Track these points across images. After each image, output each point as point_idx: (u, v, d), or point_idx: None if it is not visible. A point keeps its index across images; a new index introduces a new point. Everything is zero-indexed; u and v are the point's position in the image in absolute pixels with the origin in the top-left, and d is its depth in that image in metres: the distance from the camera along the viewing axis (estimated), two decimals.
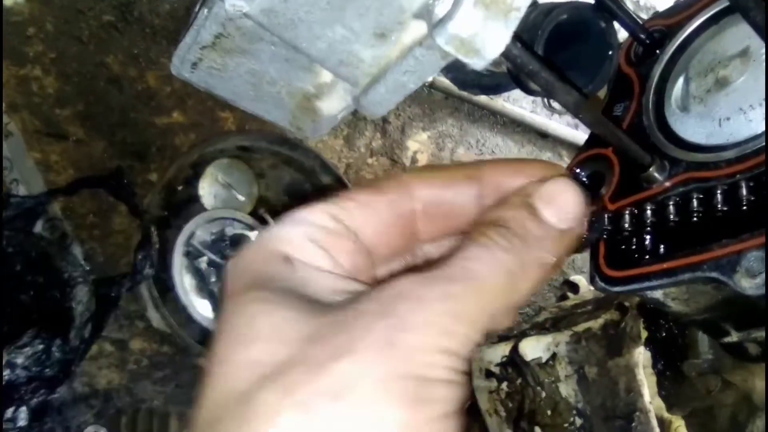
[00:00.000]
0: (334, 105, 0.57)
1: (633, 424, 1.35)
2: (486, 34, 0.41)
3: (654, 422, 1.33)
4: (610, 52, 0.87)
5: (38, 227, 1.23)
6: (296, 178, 1.52)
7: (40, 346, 1.05)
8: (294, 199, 1.56)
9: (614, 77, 0.86)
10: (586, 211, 0.52)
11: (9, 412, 1.05)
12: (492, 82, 1.00)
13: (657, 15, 0.86)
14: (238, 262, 0.48)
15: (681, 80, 0.79)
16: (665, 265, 0.70)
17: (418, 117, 1.71)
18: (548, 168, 0.54)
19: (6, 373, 1.05)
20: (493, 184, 0.52)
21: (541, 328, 1.59)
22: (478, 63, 0.42)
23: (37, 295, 1.03)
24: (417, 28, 0.46)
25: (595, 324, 1.36)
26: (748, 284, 0.62)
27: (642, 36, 0.82)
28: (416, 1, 0.44)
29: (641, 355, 1.29)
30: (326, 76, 0.54)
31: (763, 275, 0.62)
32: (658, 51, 0.83)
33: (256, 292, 0.44)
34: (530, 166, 0.53)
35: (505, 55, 0.53)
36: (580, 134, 2.08)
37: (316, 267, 0.45)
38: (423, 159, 1.75)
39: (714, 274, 0.66)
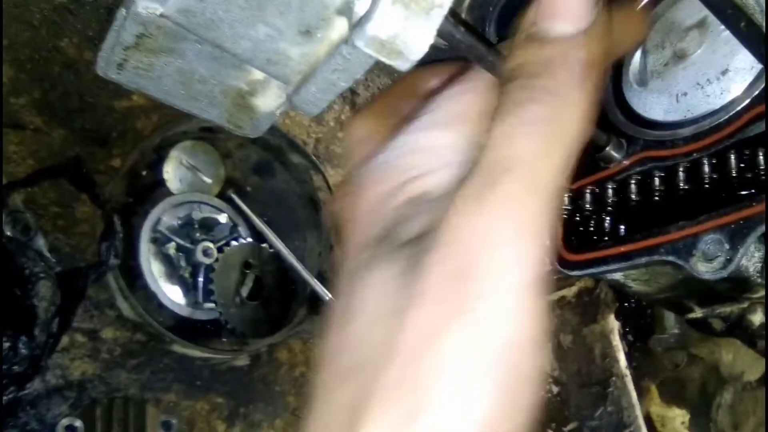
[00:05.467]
0: (270, 102, 0.54)
1: (609, 389, 1.35)
2: (407, 35, 0.39)
3: (631, 386, 1.34)
4: None
5: None
6: (264, 156, 1.49)
7: (6, 344, 1.04)
8: (263, 178, 1.53)
9: None
10: None
11: None
12: (454, 54, 0.98)
13: None
14: (369, 195, 0.46)
15: (638, 53, 0.76)
16: (622, 249, 0.68)
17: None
18: None
19: None
20: None
21: None
22: (402, 65, 0.40)
23: None
24: (342, 25, 0.43)
25: (569, 292, 1.36)
26: (704, 268, 0.61)
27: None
28: None
29: (616, 322, 1.29)
30: (258, 74, 0.52)
31: (721, 258, 0.61)
32: None
33: (368, 252, 0.42)
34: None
35: (448, 38, 0.50)
36: None
37: (446, 190, 0.42)
38: None
39: (670, 258, 0.64)
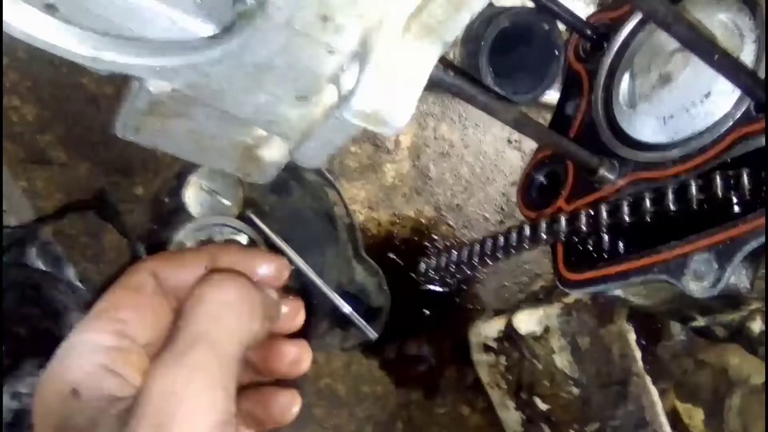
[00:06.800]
0: (275, 153, 0.59)
1: (629, 389, 1.37)
2: (391, 106, 0.43)
3: (650, 385, 1.36)
4: (556, 53, 0.88)
5: (31, 254, 1.26)
6: (280, 176, 1.53)
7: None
8: (280, 197, 1.57)
9: (565, 75, 0.87)
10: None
11: None
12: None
13: (601, 9, 0.86)
14: (40, 398, 0.53)
15: (627, 76, 0.79)
16: (619, 268, 0.71)
17: None
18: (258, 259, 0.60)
19: (14, 403, 1.09)
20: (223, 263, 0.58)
21: (534, 299, 1.61)
22: (388, 132, 0.44)
23: (32, 327, 1.07)
24: (335, 91, 0.47)
25: (585, 294, 1.38)
26: (695, 287, 0.64)
27: (587, 31, 0.82)
28: (328, 69, 0.45)
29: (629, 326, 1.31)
30: (262, 130, 0.56)
31: (710, 277, 0.63)
32: (605, 45, 0.83)
33: None
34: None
35: (438, 84, 0.54)
36: None
37: (102, 397, 0.49)
38: (406, 141, 1.76)
39: (664, 277, 0.67)
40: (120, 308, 0.55)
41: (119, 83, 0.61)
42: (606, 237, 0.78)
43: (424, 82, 0.44)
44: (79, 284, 1.28)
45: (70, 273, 1.29)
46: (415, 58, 0.42)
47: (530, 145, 1.87)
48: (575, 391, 1.39)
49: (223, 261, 0.58)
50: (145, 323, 0.54)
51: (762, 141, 0.63)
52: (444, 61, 0.53)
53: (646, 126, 0.77)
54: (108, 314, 0.54)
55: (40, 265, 1.26)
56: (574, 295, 0.75)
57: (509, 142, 1.88)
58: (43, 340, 1.06)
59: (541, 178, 0.83)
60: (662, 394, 1.33)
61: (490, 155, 1.85)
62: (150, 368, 0.49)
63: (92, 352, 0.52)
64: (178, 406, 0.45)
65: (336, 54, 0.43)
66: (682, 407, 1.37)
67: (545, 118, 0.95)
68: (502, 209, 1.86)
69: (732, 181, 0.67)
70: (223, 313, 0.51)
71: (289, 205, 1.60)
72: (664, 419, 1.35)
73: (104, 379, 0.50)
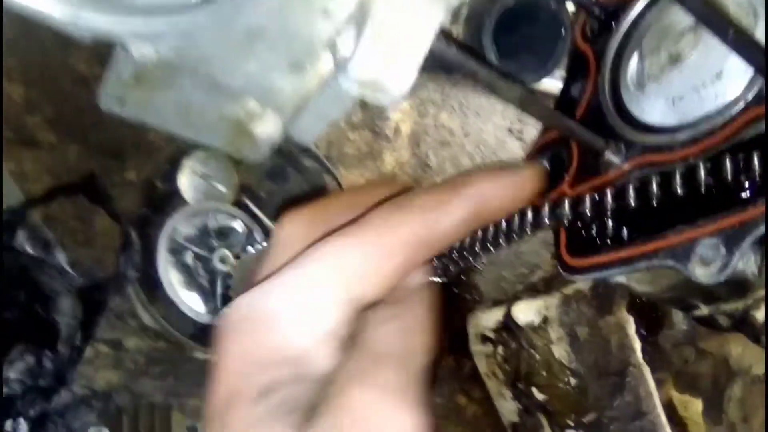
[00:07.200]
0: (268, 128, 0.56)
1: (627, 380, 1.36)
2: (390, 73, 0.40)
3: (648, 375, 1.34)
4: (563, 32, 0.85)
5: (20, 238, 1.24)
6: (276, 162, 1.51)
7: (32, 359, 1.07)
8: (276, 183, 1.55)
9: (570, 56, 0.84)
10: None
11: (8, 425, 1.07)
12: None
13: None
14: (245, 346, 0.47)
15: (636, 56, 0.76)
16: (623, 254, 0.69)
17: None
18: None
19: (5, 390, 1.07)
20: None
21: (533, 290, 1.59)
22: (387, 101, 0.41)
23: (21, 311, 1.05)
24: (331, 59, 0.45)
25: (584, 285, 1.36)
26: (702, 272, 0.61)
27: (595, 10, 0.80)
28: (323, 34, 0.42)
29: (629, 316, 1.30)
30: (254, 103, 0.53)
31: (717, 263, 0.61)
32: (613, 24, 0.80)
33: (264, 406, 0.44)
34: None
35: (439, 59, 0.52)
36: None
37: (324, 374, 0.45)
38: (406, 128, 1.73)
39: (669, 262, 0.65)
40: (363, 279, 0.49)
41: (108, 63, 0.58)
42: (611, 222, 0.75)
43: (426, 48, 0.41)
44: (68, 269, 1.25)
45: (60, 257, 1.27)
46: (416, 22, 0.39)
47: (531, 134, 1.84)
48: (572, 381, 1.38)
49: (493, 197, 0.55)
50: (376, 295, 0.49)
51: None
52: (447, 36, 0.51)
53: (655, 108, 0.74)
54: (346, 281, 0.49)
55: (29, 249, 1.23)
56: (577, 281, 0.73)
57: (510, 131, 1.85)
58: (32, 325, 1.04)
59: (545, 162, 0.81)
60: (659, 384, 1.32)
61: (491, 144, 1.83)
62: (342, 373, 0.45)
63: (317, 320, 0.47)
64: (374, 422, 0.43)
65: (332, 17, 0.41)
66: (678, 398, 1.36)
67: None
68: None
69: (742, 165, 0.64)
70: (415, 335, 0.49)
71: (285, 192, 1.58)
72: (660, 410, 1.34)
73: (319, 351, 0.47)
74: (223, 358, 0.47)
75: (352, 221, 0.51)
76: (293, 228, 0.53)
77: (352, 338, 0.47)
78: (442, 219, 0.55)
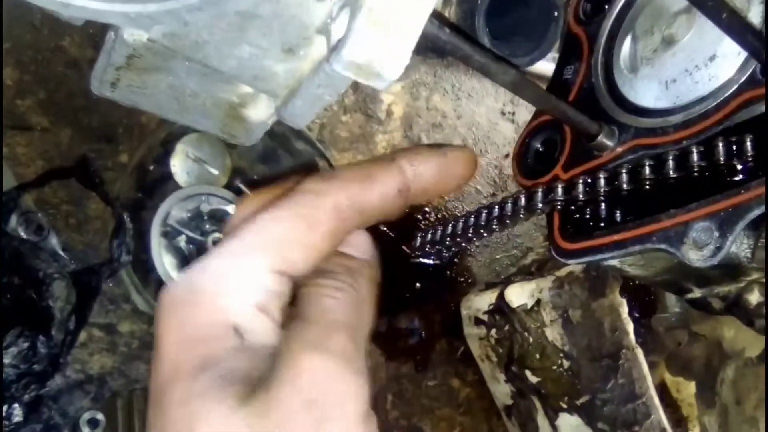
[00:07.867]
0: (261, 112, 0.56)
1: (620, 362, 1.37)
2: (383, 57, 0.40)
3: (642, 358, 1.35)
4: (556, 14, 0.84)
5: (12, 222, 1.23)
6: (269, 145, 1.51)
7: (25, 344, 1.07)
8: (269, 166, 1.55)
9: (563, 38, 0.84)
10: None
11: (3, 410, 1.07)
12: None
13: None
14: (182, 323, 0.48)
15: (629, 39, 0.76)
16: (616, 237, 0.69)
17: None
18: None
19: None
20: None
21: (526, 273, 1.60)
22: (379, 84, 0.41)
23: (14, 296, 1.05)
24: (323, 43, 0.44)
25: (577, 267, 1.37)
26: (695, 256, 0.62)
27: None
28: (316, 18, 0.42)
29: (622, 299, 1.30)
30: (247, 87, 0.53)
31: (711, 246, 0.61)
32: (606, 6, 0.80)
33: (203, 381, 0.45)
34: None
35: (433, 42, 0.51)
36: None
37: (263, 345, 0.46)
38: (398, 111, 1.73)
39: (663, 246, 0.65)
40: (292, 246, 0.51)
41: (101, 47, 0.57)
42: (604, 205, 0.76)
43: (419, 30, 0.41)
44: (62, 253, 1.25)
45: (53, 242, 1.26)
46: (409, 5, 0.39)
47: (524, 117, 1.84)
48: (566, 364, 1.39)
49: (420, 173, 0.57)
50: (308, 264, 0.51)
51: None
52: (440, 19, 0.50)
53: (648, 91, 0.74)
54: (277, 249, 0.50)
55: (22, 233, 1.23)
56: (570, 264, 0.73)
57: (503, 113, 1.85)
58: (25, 310, 1.04)
59: (538, 146, 0.81)
60: (652, 367, 1.33)
61: (484, 127, 1.83)
62: (291, 342, 0.47)
63: (251, 290, 0.49)
64: (328, 388, 0.44)
65: (325, 1, 0.40)
66: (671, 380, 1.37)
67: None
68: (495, 182, 1.84)
69: (735, 148, 0.64)
70: (362, 306, 0.51)
71: (278, 175, 1.57)
72: (653, 392, 1.35)
73: (256, 321, 0.48)
74: (162, 337, 0.48)
75: (284, 194, 0.53)
76: (247, 210, 0.55)
77: (296, 311, 0.49)
78: (368, 190, 0.57)
